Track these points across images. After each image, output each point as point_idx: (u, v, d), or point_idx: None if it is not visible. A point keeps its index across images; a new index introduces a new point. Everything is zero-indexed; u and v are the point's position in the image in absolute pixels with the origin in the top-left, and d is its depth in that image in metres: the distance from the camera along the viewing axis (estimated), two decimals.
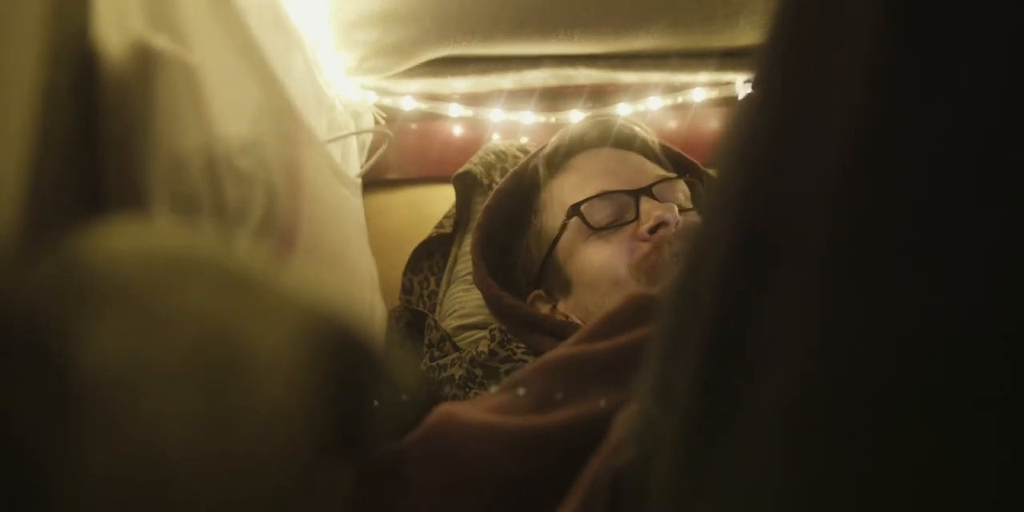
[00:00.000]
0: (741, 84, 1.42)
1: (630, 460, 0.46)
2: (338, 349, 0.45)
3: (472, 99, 1.47)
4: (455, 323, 1.26)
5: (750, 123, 0.39)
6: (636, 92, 1.46)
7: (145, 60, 0.63)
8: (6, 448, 0.36)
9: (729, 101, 1.46)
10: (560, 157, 1.16)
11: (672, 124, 1.49)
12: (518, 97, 1.46)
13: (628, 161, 1.14)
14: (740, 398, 0.36)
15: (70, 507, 0.37)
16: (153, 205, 0.61)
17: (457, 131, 1.49)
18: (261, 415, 0.41)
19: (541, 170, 1.16)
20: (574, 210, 1.08)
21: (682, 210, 1.05)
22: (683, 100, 1.45)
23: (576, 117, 1.45)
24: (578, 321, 1.07)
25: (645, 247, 1.01)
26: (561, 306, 1.11)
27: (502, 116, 1.46)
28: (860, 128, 0.34)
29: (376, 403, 0.50)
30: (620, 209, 1.07)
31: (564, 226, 1.09)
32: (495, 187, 1.26)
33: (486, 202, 1.20)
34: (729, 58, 1.38)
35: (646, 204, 1.05)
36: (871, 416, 0.33)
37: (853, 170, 0.34)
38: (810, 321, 0.35)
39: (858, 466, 0.33)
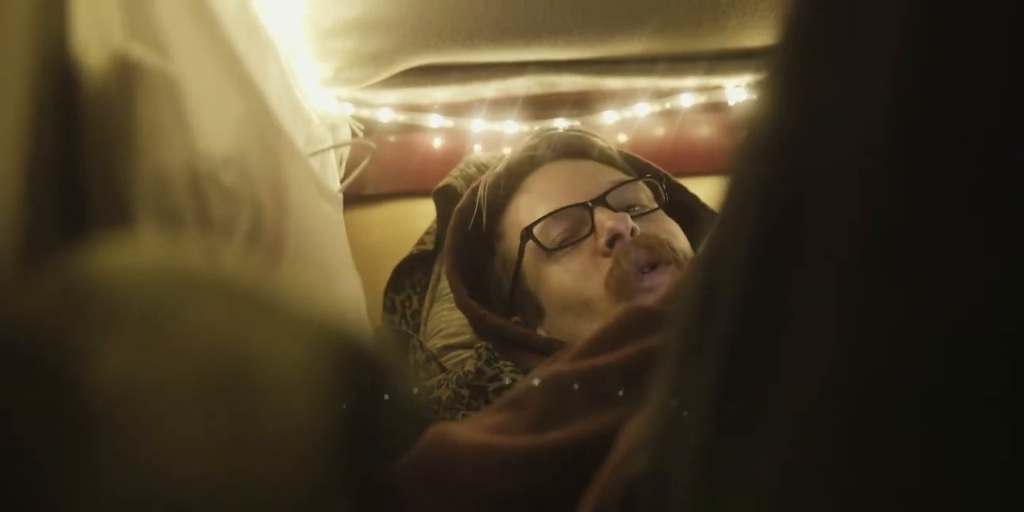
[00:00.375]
0: (731, 88, 1.40)
1: (643, 469, 0.45)
2: (346, 364, 0.44)
3: (453, 109, 1.43)
4: (440, 343, 1.23)
5: (772, 118, 0.38)
6: (623, 98, 1.43)
7: (125, 71, 0.62)
8: (13, 471, 0.36)
9: (718, 106, 1.45)
10: (512, 178, 1.15)
11: (660, 130, 1.47)
12: (501, 106, 1.43)
13: (582, 171, 1.13)
14: (765, 399, 0.36)
15: None
16: (138, 220, 0.59)
17: (437, 143, 1.45)
18: (271, 433, 0.40)
19: (481, 202, 1.16)
20: (527, 234, 1.07)
21: (642, 214, 1.06)
22: (671, 106, 1.43)
23: (561, 125, 1.41)
24: (562, 339, 1.05)
25: (607, 262, 1.01)
26: (541, 331, 1.10)
27: (484, 126, 1.42)
28: (890, 121, 0.33)
29: (383, 418, 0.49)
30: (575, 224, 1.06)
31: (521, 251, 1.08)
32: (456, 206, 1.25)
33: (451, 223, 1.19)
34: (718, 62, 1.36)
35: (600, 215, 1.04)
36: (903, 417, 0.32)
37: (884, 164, 0.33)
38: (838, 319, 0.34)
39: (887, 468, 0.32)
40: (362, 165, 1.25)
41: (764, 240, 0.37)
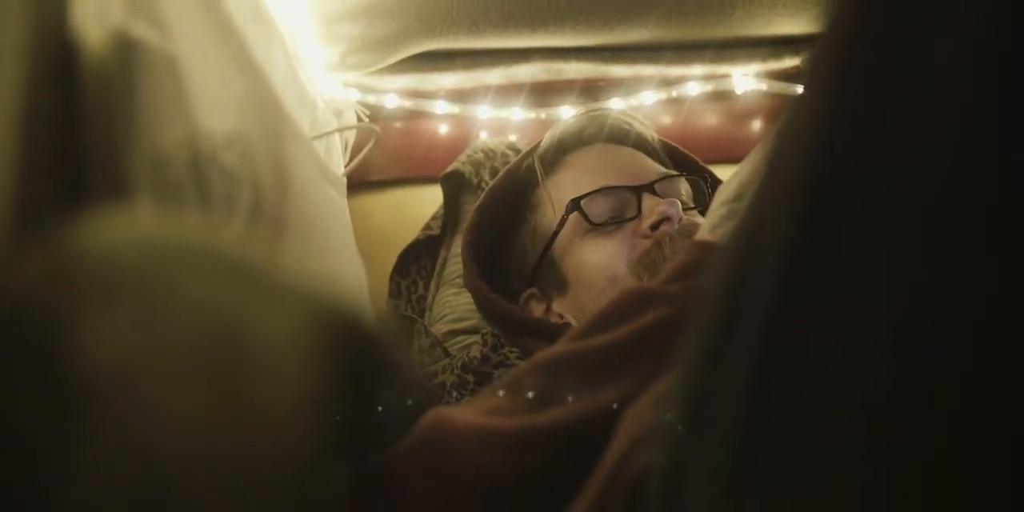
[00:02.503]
0: (738, 76, 1.39)
1: (655, 463, 0.44)
2: (342, 340, 0.44)
3: (458, 95, 1.43)
4: (445, 328, 1.23)
5: (815, 110, 0.37)
6: (629, 86, 1.42)
7: (125, 50, 0.62)
8: (5, 445, 0.36)
9: (725, 95, 1.44)
10: (555, 153, 1.12)
11: (666, 119, 1.46)
12: (506, 93, 1.42)
13: (626, 157, 1.11)
14: (800, 402, 0.35)
15: (69, 504, 0.36)
16: (137, 198, 0.58)
17: (443, 129, 1.45)
18: (265, 407, 0.40)
19: (537, 167, 1.12)
20: (574, 205, 1.04)
21: (685, 209, 1.03)
22: (677, 94, 1.42)
23: (567, 113, 1.41)
24: (573, 322, 1.04)
25: (646, 244, 0.99)
26: (556, 305, 1.08)
27: (490, 113, 1.42)
28: (951, 109, 0.32)
29: (380, 396, 0.49)
30: (621, 205, 1.04)
31: (563, 221, 1.06)
32: (486, 186, 1.23)
33: (478, 201, 1.17)
34: (725, 50, 1.36)
35: (648, 201, 1.02)
36: (958, 421, 0.31)
37: (950, 143, 0.32)
38: (888, 312, 0.32)
39: (937, 474, 0.31)
40: (366, 149, 1.25)
41: (804, 223, 0.35)
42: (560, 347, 0.73)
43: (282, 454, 0.41)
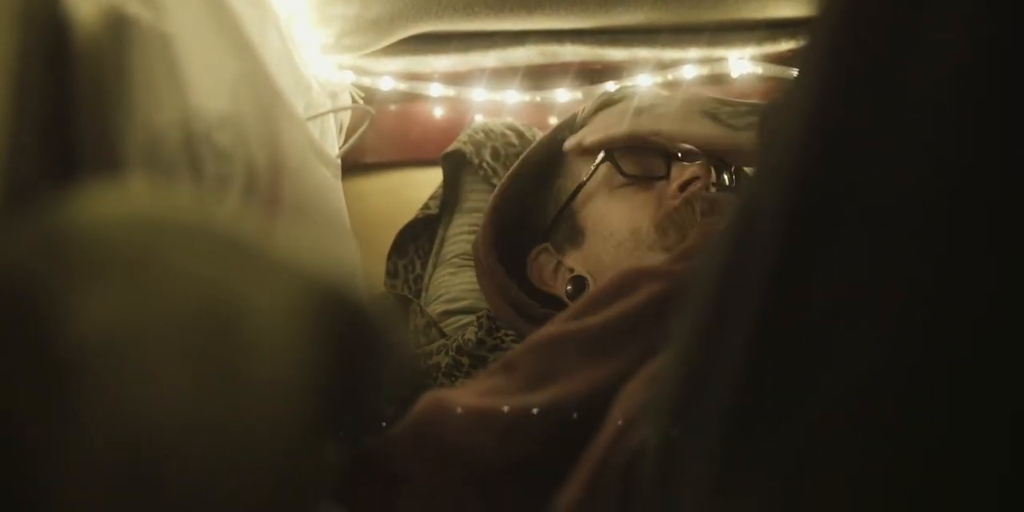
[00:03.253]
0: (734, 60, 1.38)
1: (647, 443, 0.44)
2: (334, 316, 0.44)
3: (453, 78, 1.42)
4: (441, 308, 1.22)
5: (809, 91, 0.37)
6: (625, 69, 1.42)
7: (119, 28, 0.62)
8: None
9: (721, 78, 1.43)
10: (586, 115, 1.12)
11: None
12: (502, 76, 1.41)
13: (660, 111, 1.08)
14: (793, 387, 0.35)
15: (59, 477, 0.36)
16: (130, 177, 0.59)
17: (438, 112, 1.44)
18: (257, 382, 0.40)
19: (567, 134, 1.12)
20: (608, 155, 1.04)
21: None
22: (673, 77, 1.41)
23: (562, 96, 1.41)
24: (586, 275, 1.04)
25: (673, 203, 0.99)
26: (569, 259, 1.08)
27: (485, 96, 1.41)
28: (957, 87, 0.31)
29: (372, 373, 0.49)
30: (651, 166, 1.04)
31: (595, 170, 1.06)
32: (487, 166, 1.24)
33: (511, 170, 1.16)
34: (721, 33, 1.35)
35: (677, 164, 1.02)
36: (953, 405, 0.31)
37: (941, 137, 0.32)
38: (881, 298, 0.32)
39: (935, 453, 0.31)
40: (361, 130, 1.25)
41: (798, 206, 0.35)
42: (554, 327, 0.73)
43: (273, 430, 0.41)
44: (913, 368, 0.31)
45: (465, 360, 1.07)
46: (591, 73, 1.44)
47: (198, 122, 0.71)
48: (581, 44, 1.35)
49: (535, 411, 0.64)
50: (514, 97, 1.42)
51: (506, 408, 0.65)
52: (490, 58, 1.37)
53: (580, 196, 1.07)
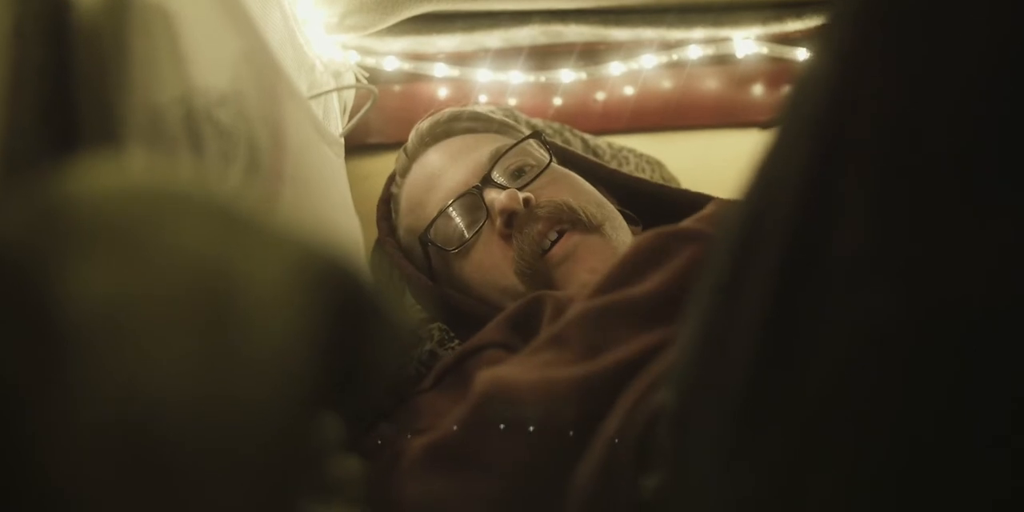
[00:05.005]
0: (739, 40, 1.38)
1: (664, 407, 0.44)
2: (332, 288, 0.43)
3: (458, 59, 1.42)
4: (416, 316, 1.19)
5: (833, 60, 0.37)
6: (629, 50, 1.41)
7: (119, 4, 0.61)
8: None
9: (726, 58, 1.42)
10: (396, 184, 1.14)
11: (667, 82, 1.45)
12: (506, 56, 1.41)
13: (456, 153, 1.07)
14: (811, 339, 0.35)
15: (56, 448, 0.36)
16: (130, 152, 0.58)
17: (442, 93, 1.44)
18: (255, 354, 0.40)
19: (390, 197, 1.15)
20: (424, 240, 1.03)
21: (534, 179, 1.00)
22: (678, 57, 1.41)
23: (567, 77, 1.41)
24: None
25: (509, 250, 0.96)
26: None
27: (489, 76, 1.41)
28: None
29: (370, 346, 0.48)
30: (469, 211, 1.01)
31: (427, 256, 1.05)
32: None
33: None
34: (726, 13, 1.35)
35: (490, 194, 0.98)
36: (971, 369, 0.31)
37: (965, 104, 0.32)
38: (897, 254, 0.33)
39: (950, 428, 0.31)
40: (364, 108, 1.24)
41: (819, 165, 0.36)
42: (598, 301, 0.72)
43: (269, 399, 0.40)
44: (932, 326, 0.31)
45: (424, 370, 1.05)
46: (595, 53, 1.44)
47: (199, 99, 0.71)
48: (585, 24, 1.35)
49: (598, 377, 0.64)
50: (518, 78, 1.42)
51: (571, 376, 0.65)
52: (494, 38, 1.37)
53: (437, 278, 1.07)
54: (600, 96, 1.45)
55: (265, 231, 0.44)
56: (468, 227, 1.01)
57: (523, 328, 0.81)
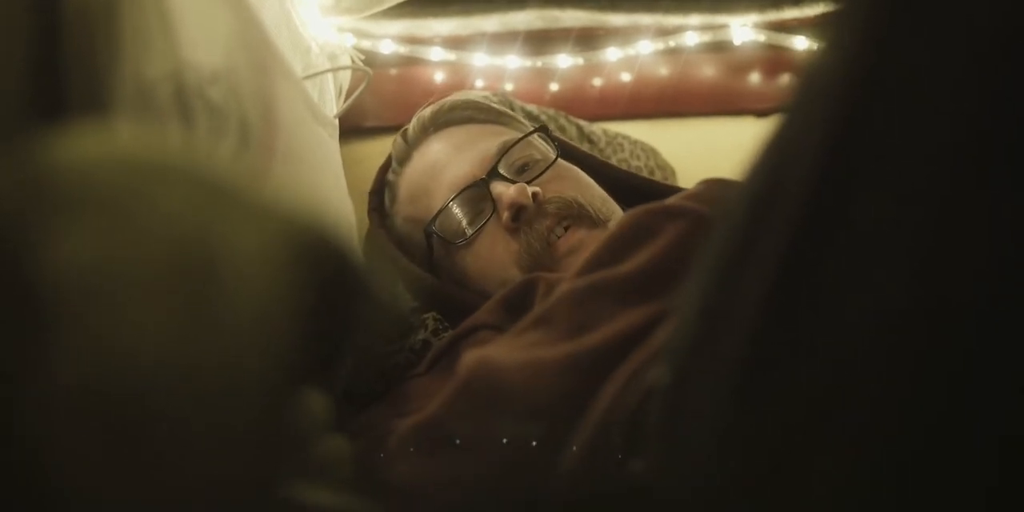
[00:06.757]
0: (736, 27, 1.38)
1: (659, 383, 0.44)
2: (319, 261, 0.43)
3: (454, 42, 1.41)
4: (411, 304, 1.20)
5: (850, 40, 0.36)
6: (626, 35, 1.41)
7: None
8: None
9: (722, 45, 1.42)
10: (396, 171, 1.12)
11: (663, 69, 1.45)
12: (502, 40, 1.41)
13: (462, 143, 1.06)
14: (815, 322, 0.34)
15: (40, 417, 0.36)
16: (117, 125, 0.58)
17: (439, 77, 1.44)
18: (237, 323, 0.39)
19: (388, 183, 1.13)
20: (429, 231, 1.03)
21: (541, 173, 1.00)
22: (675, 44, 1.40)
23: (563, 62, 1.40)
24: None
25: (514, 245, 0.96)
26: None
27: (486, 60, 1.41)
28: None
29: (359, 322, 0.48)
30: (475, 203, 1.01)
31: (430, 247, 1.04)
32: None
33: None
34: (723, 0, 1.33)
35: (498, 188, 0.98)
36: (977, 360, 0.31)
37: (980, 87, 0.32)
38: (910, 236, 0.32)
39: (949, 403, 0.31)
40: (359, 89, 1.24)
41: (835, 140, 0.35)
42: (584, 280, 0.72)
43: (251, 369, 0.40)
44: (938, 314, 0.31)
45: (416, 359, 1.06)
46: (592, 38, 1.43)
47: (190, 75, 0.70)
48: (582, 9, 1.35)
49: (584, 356, 0.64)
50: (515, 62, 1.42)
51: (556, 355, 0.65)
52: (491, 22, 1.37)
53: (437, 269, 1.06)
54: (596, 82, 1.45)
55: (251, 203, 0.44)
56: (472, 220, 1.00)
57: (517, 310, 0.81)
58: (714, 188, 0.84)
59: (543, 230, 0.94)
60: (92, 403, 0.36)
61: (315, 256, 0.44)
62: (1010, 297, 0.30)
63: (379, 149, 1.42)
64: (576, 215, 0.95)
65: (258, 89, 0.84)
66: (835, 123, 0.35)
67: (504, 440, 0.63)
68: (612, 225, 0.95)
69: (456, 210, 1.01)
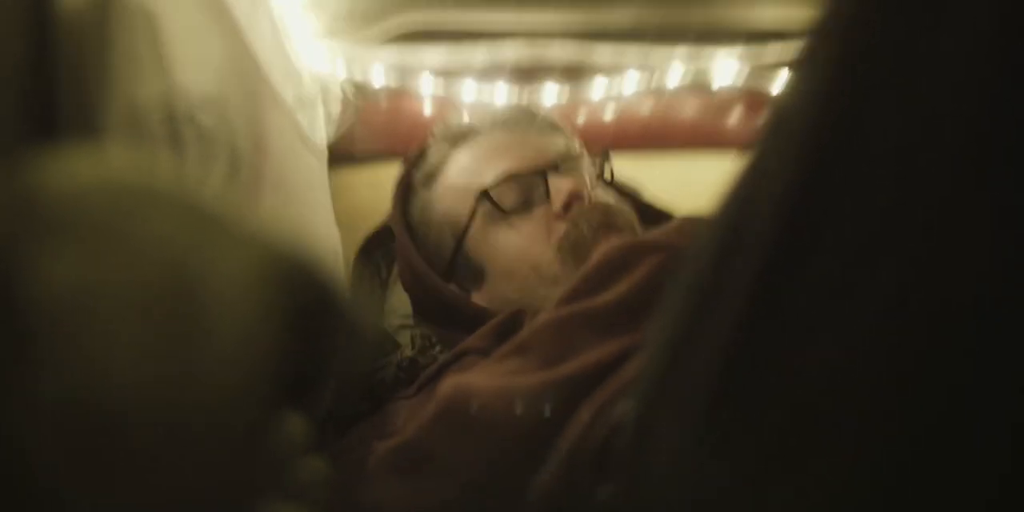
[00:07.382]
0: (720, 64, 1.39)
1: (626, 415, 0.44)
2: (301, 287, 0.44)
3: (443, 73, 1.42)
4: (398, 322, 1.20)
5: (814, 86, 0.36)
6: (611, 71, 1.42)
7: (103, 2, 0.61)
8: None
9: (706, 82, 1.43)
10: (453, 142, 1.13)
11: (647, 105, 1.46)
12: (490, 72, 1.41)
13: (527, 141, 1.10)
14: (780, 361, 0.35)
15: (20, 438, 0.35)
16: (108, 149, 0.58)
17: (427, 106, 1.45)
18: (218, 348, 0.39)
19: (443, 152, 1.13)
20: (484, 195, 1.04)
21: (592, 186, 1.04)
22: (659, 80, 1.41)
23: (550, 93, 1.42)
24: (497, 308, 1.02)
25: (562, 225, 0.99)
26: (475, 297, 1.07)
27: (474, 91, 1.42)
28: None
29: (336, 348, 0.48)
30: (528, 190, 1.03)
31: (474, 213, 1.05)
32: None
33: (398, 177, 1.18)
34: (707, 37, 1.35)
35: (555, 181, 1.02)
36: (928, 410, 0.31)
37: (945, 139, 0.32)
38: (869, 292, 0.32)
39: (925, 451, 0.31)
40: (348, 120, 1.25)
41: (804, 175, 0.35)
42: (565, 310, 0.73)
43: (229, 391, 0.40)
44: (908, 347, 0.31)
45: (403, 376, 1.05)
46: (578, 71, 1.43)
47: (181, 101, 0.71)
48: (569, 43, 1.35)
49: (557, 385, 0.66)
50: (502, 96, 1.43)
51: (530, 383, 0.67)
52: (479, 55, 1.37)
53: (468, 237, 1.06)
54: (580, 119, 1.46)
55: (235, 229, 0.44)
56: (524, 203, 1.03)
57: (507, 338, 0.82)
58: (691, 223, 0.86)
59: (592, 222, 0.97)
60: (72, 423, 0.36)
61: (296, 283, 0.44)
62: (1010, 297, 0.30)
63: (367, 178, 1.43)
64: (620, 223, 0.99)
65: (249, 116, 0.85)
66: (804, 159, 0.36)
67: (478, 464, 0.64)
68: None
69: (512, 189, 1.03)
